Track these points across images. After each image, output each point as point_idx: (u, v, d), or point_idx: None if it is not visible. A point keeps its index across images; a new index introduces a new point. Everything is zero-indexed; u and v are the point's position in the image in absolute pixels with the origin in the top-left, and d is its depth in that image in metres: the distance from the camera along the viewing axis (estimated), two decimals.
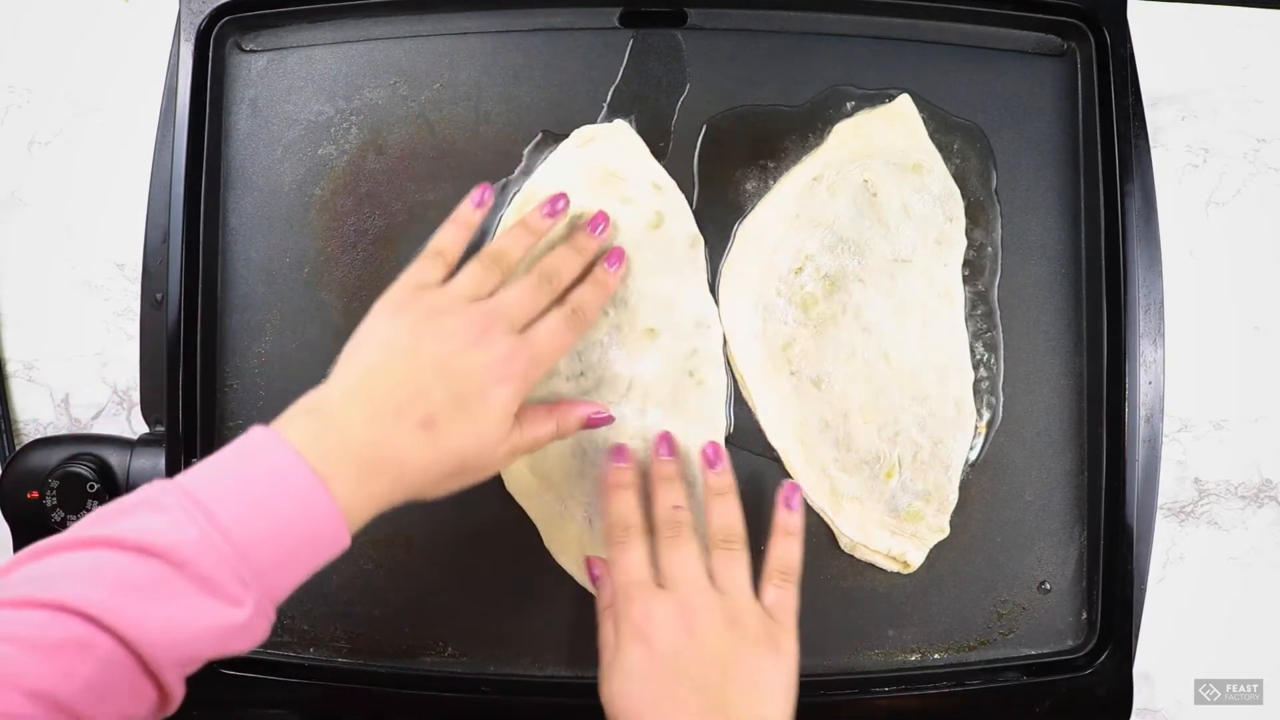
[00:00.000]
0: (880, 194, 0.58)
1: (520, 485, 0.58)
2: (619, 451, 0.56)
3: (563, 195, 0.56)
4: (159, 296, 0.59)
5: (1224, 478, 0.67)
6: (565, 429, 0.54)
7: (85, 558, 0.40)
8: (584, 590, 0.58)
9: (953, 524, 0.59)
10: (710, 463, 0.55)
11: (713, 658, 0.49)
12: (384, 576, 0.58)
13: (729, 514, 0.53)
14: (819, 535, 0.59)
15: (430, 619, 0.58)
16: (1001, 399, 0.59)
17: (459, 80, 0.59)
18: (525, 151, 0.59)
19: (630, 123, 0.59)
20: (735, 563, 0.52)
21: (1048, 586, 0.59)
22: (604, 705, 0.50)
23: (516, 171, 0.59)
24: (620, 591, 0.52)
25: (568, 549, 0.58)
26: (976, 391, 0.59)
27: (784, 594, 0.52)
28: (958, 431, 0.59)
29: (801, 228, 0.58)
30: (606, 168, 0.58)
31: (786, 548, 0.53)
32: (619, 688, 0.49)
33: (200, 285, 0.58)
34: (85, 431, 0.66)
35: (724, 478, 0.54)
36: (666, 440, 0.56)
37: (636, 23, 0.59)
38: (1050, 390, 0.59)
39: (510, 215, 0.58)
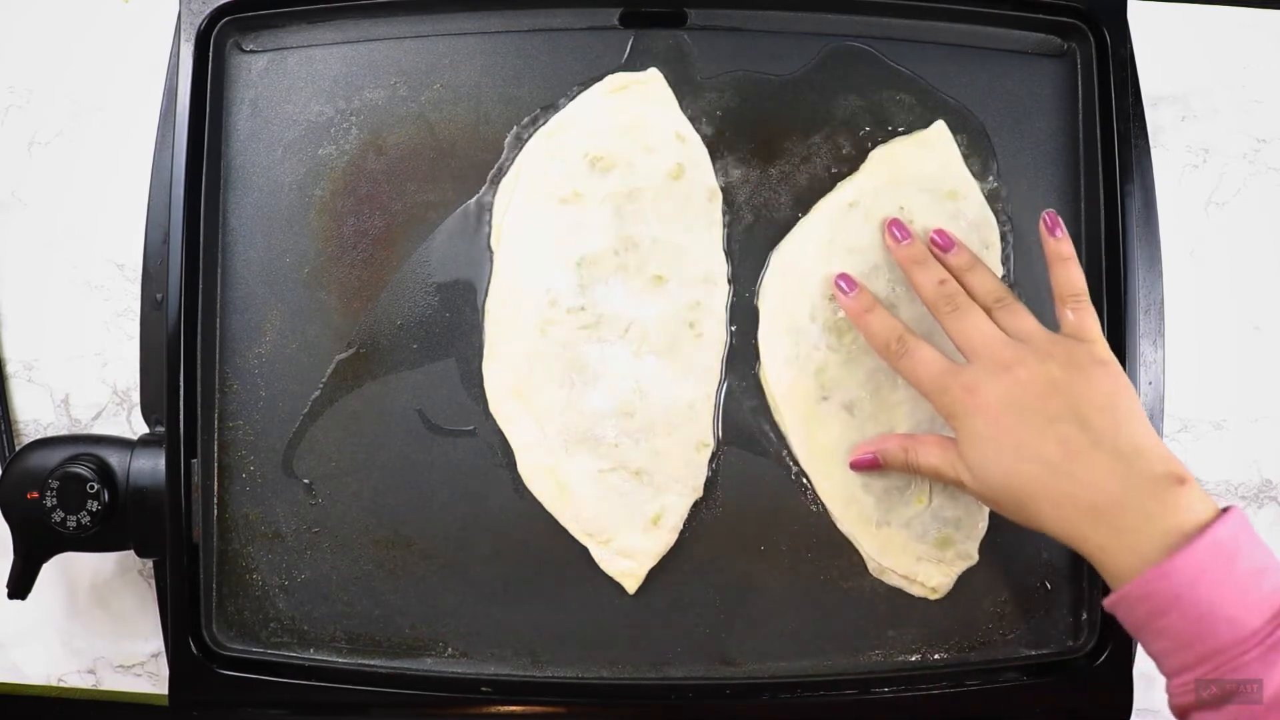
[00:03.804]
0: (916, 221, 0.58)
1: (502, 409, 0.58)
2: (847, 281, 0.57)
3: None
4: (159, 296, 0.59)
5: (1224, 478, 0.67)
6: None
7: None
8: (584, 590, 0.58)
9: None
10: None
11: (1048, 389, 0.50)
12: (384, 576, 0.58)
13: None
14: (820, 535, 0.59)
15: (430, 619, 0.58)
16: None
17: (459, 80, 0.59)
18: (505, 142, 0.59)
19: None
20: (1019, 313, 0.54)
21: (1048, 586, 0.59)
22: (979, 492, 0.52)
23: (503, 158, 0.59)
24: (933, 391, 0.53)
25: (537, 476, 0.58)
26: None
27: (1082, 314, 0.54)
28: None
29: (836, 254, 0.58)
30: (633, 115, 0.58)
31: (1066, 272, 0.55)
32: (979, 459, 0.51)
33: (200, 285, 0.58)
34: (85, 432, 0.66)
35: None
36: (898, 225, 0.57)
37: (636, 23, 0.59)
38: None
39: (538, 141, 0.58)
